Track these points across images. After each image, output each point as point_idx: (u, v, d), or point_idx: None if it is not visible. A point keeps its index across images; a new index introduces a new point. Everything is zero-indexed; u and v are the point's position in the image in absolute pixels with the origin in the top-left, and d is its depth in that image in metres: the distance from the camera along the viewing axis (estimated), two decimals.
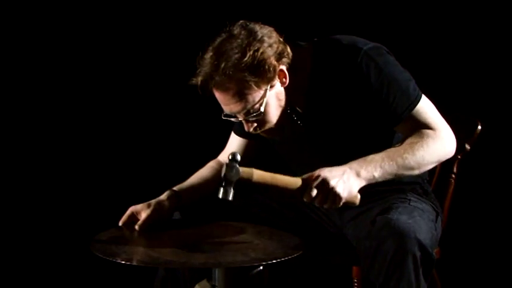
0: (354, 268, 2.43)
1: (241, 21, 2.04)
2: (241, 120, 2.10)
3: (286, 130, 2.17)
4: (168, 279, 2.23)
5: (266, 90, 2.03)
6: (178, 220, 2.25)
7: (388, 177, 2.03)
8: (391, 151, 2.05)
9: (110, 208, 2.42)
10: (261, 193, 2.29)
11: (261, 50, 1.99)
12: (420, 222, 2.06)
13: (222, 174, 1.94)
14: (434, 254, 2.02)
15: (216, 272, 1.99)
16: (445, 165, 2.39)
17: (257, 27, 2.03)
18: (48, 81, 3.36)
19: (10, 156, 3.37)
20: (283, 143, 2.28)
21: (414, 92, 2.08)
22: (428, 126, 2.08)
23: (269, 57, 2.00)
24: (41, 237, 3.34)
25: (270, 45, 2.01)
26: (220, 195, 1.94)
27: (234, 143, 2.38)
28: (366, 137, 2.16)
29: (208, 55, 2.01)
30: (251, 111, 2.04)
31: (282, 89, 2.09)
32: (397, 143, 2.13)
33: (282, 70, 2.05)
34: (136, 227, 2.13)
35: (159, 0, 3.32)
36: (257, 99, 2.03)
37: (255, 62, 1.98)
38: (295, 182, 1.99)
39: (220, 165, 2.38)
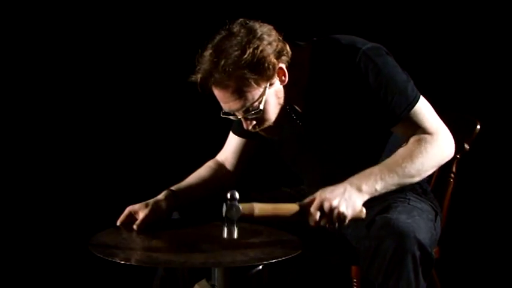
0: (353, 268, 2.42)
1: (240, 20, 2.04)
2: (239, 119, 2.10)
3: (285, 129, 2.17)
4: (168, 279, 2.23)
5: (265, 88, 2.03)
6: (177, 220, 2.25)
7: (391, 188, 2.03)
8: (389, 162, 2.05)
9: (107, 208, 2.41)
10: (259, 193, 2.29)
11: (260, 48, 1.99)
12: (419, 221, 2.06)
13: (223, 215, 1.93)
14: (433, 253, 2.02)
15: (216, 271, 1.99)
16: (444, 165, 2.38)
17: (256, 25, 2.03)
18: (45, 81, 3.36)
19: (9, 157, 3.37)
20: (282, 142, 2.28)
21: (412, 93, 2.08)
22: (426, 128, 2.07)
23: (268, 55, 2.00)
24: (39, 237, 3.34)
25: (270, 43, 2.01)
26: (225, 236, 1.94)
27: (232, 143, 2.38)
28: (364, 136, 2.15)
29: (208, 53, 2.00)
30: (250, 109, 2.04)
31: (281, 87, 2.08)
32: (394, 144, 2.13)
33: (281, 68, 2.05)
34: (135, 226, 2.12)
35: None
36: (256, 97, 2.03)
37: (255, 59, 1.98)
38: (297, 208, 1.99)
39: (219, 164, 2.39)
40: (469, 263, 3.23)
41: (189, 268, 2.16)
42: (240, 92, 2.01)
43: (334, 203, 1.94)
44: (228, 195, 1.93)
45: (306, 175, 2.34)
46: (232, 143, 2.38)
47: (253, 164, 2.44)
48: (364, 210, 2.00)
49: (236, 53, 1.97)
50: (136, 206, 2.16)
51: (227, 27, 2.04)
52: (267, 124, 2.09)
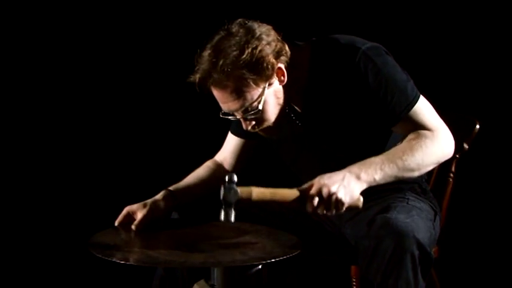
0: (353, 267, 2.43)
1: (239, 20, 2.04)
2: (238, 119, 2.10)
3: (285, 129, 2.17)
4: (167, 279, 2.23)
5: (264, 88, 2.03)
6: (177, 220, 2.25)
7: (389, 179, 2.03)
8: (390, 153, 2.04)
9: (105, 208, 2.41)
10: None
11: (259, 48, 1.99)
12: (418, 221, 2.06)
13: (221, 197, 1.93)
14: (432, 253, 2.02)
15: (215, 271, 1.99)
16: (443, 165, 2.39)
17: (255, 25, 2.03)
18: (44, 82, 3.36)
19: (8, 157, 3.37)
20: (281, 142, 2.28)
21: (412, 93, 2.08)
22: (426, 127, 2.08)
23: (267, 55, 2.00)
24: (38, 238, 3.34)
25: (269, 43, 2.01)
26: (222, 218, 1.94)
27: (231, 143, 2.38)
28: (364, 136, 2.16)
29: (207, 53, 2.00)
30: (249, 109, 2.04)
31: (281, 87, 2.09)
32: (395, 143, 2.13)
33: (280, 68, 2.05)
34: (133, 226, 2.13)
35: None
36: (255, 97, 2.03)
37: (253, 59, 1.98)
38: (295, 193, 1.98)
39: (217, 165, 2.39)
40: (468, 262, 3.23)
41: (189, 268, 2.16)
42: (238, 92, 2.01)
43: (333, 188, 1.94)
44: (226, 178, 1.93)
45: (305, 175, 2.33)
46: (231, 143, 2.38)
47: (253, 164, 2.44)
48: (361, 199, 1.99)
49: (235, 53, 1.97)
50: (134, 206, 2.16)
51: (226, 27, 2.03)
52: (266, 124, 2.09)
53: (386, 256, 1.96)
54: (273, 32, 2.05)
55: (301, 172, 2.34)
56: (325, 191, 1.94)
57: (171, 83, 3.10)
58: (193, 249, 1.95)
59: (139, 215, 2.14)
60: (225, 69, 1.97)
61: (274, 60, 2.02)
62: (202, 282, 2.04)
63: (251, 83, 2.00)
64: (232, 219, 1.94)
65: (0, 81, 3.33)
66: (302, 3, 3.25)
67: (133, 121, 3.39)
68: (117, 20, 3.32)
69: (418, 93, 2.10)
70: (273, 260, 1.86)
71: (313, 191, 1.95)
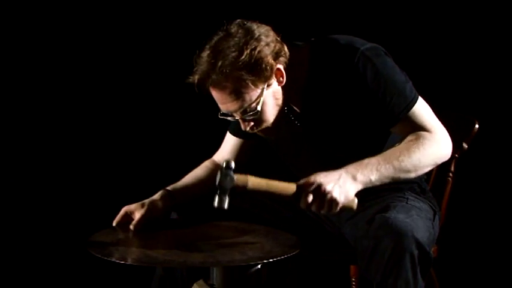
0: (352, 267, 2.44)
1: (238, 20, 2.04)
2: (237, 120, 2.10)
3: (283, 130, 2.17)
4: (166, 279, 2.23)
5: (263, 89, 2.03)
6: (175, 220, 2.25)
7: (385, 180, 2.03)
8: (387, 154, 2.04)
9: (104, 208, 2.41)
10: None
11: (258, 49, 1.99)
12: (418, 220, 2.06)
13: (217, 183, 1.93)
14: (431, 252, 2.02)
15: (214, 271, 1.99)
16: (442, 164, 2.38)
17: (254, 26, 2.03)
18: (43, 82, 3.36)
19: (7, 157, 3.37)
20: (280, 143, 2.28)
21: (411, 94, 2.08)
22: (424, 128, 2.08)
23: (266, 56, 2.00)
24: (37, 238, 3.34)
25: (267, 44, 2.01)
26: (216, 204, 1.94)
27: (230, 143, 2.38)
28: (362, 137, 2.15)
29: (205, 53, 2.00)
30: (248, 110, 2.04)
31: (279, 88, 2.09)
32: (393, 143, 2.13)
33: (279, 69, 2.05)
34: (131, 226, 2.13)
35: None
36: (254, 98, 2.02)
37: (252, 60, 1.98)
38: (291, 187, 1.98)
39: (215, 165, 2.39)
40: (467, 262, 3.23)
41: (188, 268, 2.16)
42: (237, 93, 2.01)
43: (328, 187, 1.94)
44: (224, 164, 1.93)
45: (304, 175, 2.32)
46: (229, 143, 2.38)
47: (252, 164, 2.44)
48: (356, 200, 1.99)
49: (234, 54, 1.97)
50: (132, 206, 2.16)
51: (225, 27, 2.03)
52: (265, 125, 2.09)
53: (385, 256, 1.96)
54: (272, 33, 2.05)
55: (300, 172, 2.33)
56: (320, 189, 1.94)
57: (169, 83, 3.10)
58: (193, 249, 1.96)
59: (137, 215, 2.14)
60: (224, 70, 1.97)
61: (273, 61, 2.02)
62: (201, 282, 2.05)
63: (250, 84, 2.00)
64: (226, 205, 1.94)
65: (0, 81, 3.33)
66: (301, 4, 3.25)
67: (132, 121, 3.39)
68: (116, 19, 3.32)
69: (417, 94, 2.10)
70: (272, 260, 1.86)
71: (308, 187, 1.95)
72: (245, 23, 2.03)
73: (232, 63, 1.97)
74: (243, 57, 1.97)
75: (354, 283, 2.45)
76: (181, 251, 1.93)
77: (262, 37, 2.01)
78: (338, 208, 1.96)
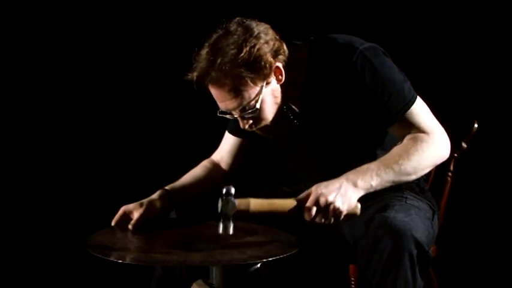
0: (351, 266, 2.43)
1: (237, 18, 2.04)
2: (235, 119, 2.10)
3: (282, 129, 2.17)
4: (165, 279, 2.23)
5: (262, 87, 2.03)
6: (174, 219, 2.25)
7: (386, 184, 2.03)
8: (386, 158, 2.04)
9: (102, 208, 2.41)
10: (258, 192, 2.30)
11: (257, 47, 1.99)
12: (417, 220, 2.06)
13: (219, 210, 1.92)
14: (430, 252, 2.02)
15: (214, 270, 1.99)
16: (441, 164, 2.38)
17: (253, 24, 2.03)
18: (42, 82, 3.36)
19: (6, 157, 3.37)
20: (278, 141, 2.28)
21: (409, 94, 2.08)
22: (422, 129, 2.08)
23: (265, 54, 2.00)
24: (36, 238, 3.34)
25: (267, 42, 2.01)
26: (221, 231, 1.94)
27: (228, 142, 2.38)
28: (361, 136, 2.16)
29: (205, 51, 2.00)
30: (247, 107, 2.03)
31: (278, 86, 2.09)
32: (392, 142, 2.13)
33: (278, 67, 2.05)
34: (130, 226, 2.13)
35: None
36: (253, 95, 2.02)
37: (251, 58, 1.98)
38: (293, 203, 1.98)
39: (214, 164, 2.39)
40: (467, 261, 3.23)
41: (187, 267, 2.16)
42: (236, 91, 2.01)
43: (330, 198, 1.94)
44: (224, 191, 1.93)
45: (303, 174, 2.34)
46: (228, 142, 2.38)
47: (252, 163, 2.44)
48: (359, 206, 2.00)
49: (233, 51, 1.97)
50: (130, 206, 2.16)
51: (224, 25, 2.03)
52: (263, 123, 2.09)
53: (384, 255, 1.96)
54: (271, 31, 2.05)
55: (299, 171, 2.34)
56: (322, 201, 1.94)
57: (168, 81, 3.10)
58: (192, 249, 1.95)
59: (135, 215, 2.14)
60: (223, 68, 1.97)
61: (272, 59, 2.02)
62: (200, 281, 2.04)
63: (249, 81, 2.00)
64: (231, 231, 1.94)
65: (0, 81, 3.33)
66: (300, 3, 3.25)
67: (130, 121, 3.39)
68: (115, 18, 3.32)
69: (415, 94, 2.10)
70: (271, 259, 1.86)
71: (310, 201, 1.95)
72: (244, 21, 2.03)
73: (231, 60, 1.97)
74: (242, 54, 1.97)
75: (353, 282, 2.45)
76: (181, 251, 1.93)
77: (262, 35, 2.01)
78: (342, 216, 1.97)
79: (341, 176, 1.99)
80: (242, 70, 1.98)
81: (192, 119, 3.28)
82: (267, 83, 2.04)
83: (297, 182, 2.39)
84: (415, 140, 2.05)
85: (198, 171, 2.35)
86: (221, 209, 1.92)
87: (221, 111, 2.08)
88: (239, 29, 2.01)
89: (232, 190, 1.93)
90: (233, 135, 2.36)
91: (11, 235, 3.34)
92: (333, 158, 2.19)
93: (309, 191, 1.98)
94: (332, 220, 1.96)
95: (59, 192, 3.38)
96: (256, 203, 1.96)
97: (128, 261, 1.85)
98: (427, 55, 3.20)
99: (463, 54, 3.20)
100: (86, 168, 3.40)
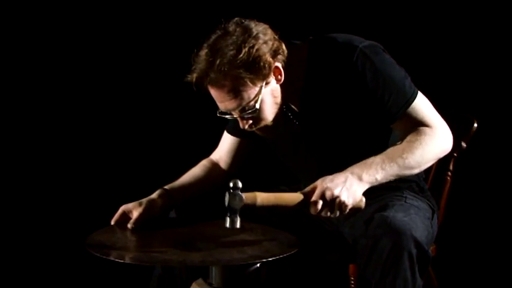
0: (350, 266, 2.43)
1: (236, 19, 2.04)
2: (235, 119, 2.10)
3: (282, 129, 2.17)
4: (165, 278, 2.23)
5: (261, 87, 2.03)
6: (174, 219, 2.25)
7: (390, 178, 2.04)
8: (390, 152, 2.05)
9: (101, 207, 2.41)
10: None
11: (256, 47, 1.98)
12: (416, 219, 2.06)
13: (226, 204, 1.92)
14: (430, 251, 2.02)
15: (214, 270, 1.99)
16: (441, 163, 2.40)
17: (252, 24, 2.03)
18: (41, 82, 3.36)
19: (5, 157, 3.37)
20: (278, 141, 2.28)
21: (410, 90, 2.08)
22: (424, 124, 2.08)
23: (264, 54, 2.00)
24: (35, 237, 3.34)
25: (265, 42, 2.01)
26: (228, 225, 1.94)
27: (227, 142, 2.38)
28: (362, 135, 2.16)
29: (203, 52, 2.00)
30: (246, 108, 2.04)
31: (278, 86, 2.09)
32: (393, 141, 2.13)
33: (277, 67, 2.05)
34: (129, 225, 2.13)
35: None
36: (252, 96, 2.02)
37: (250, 58, 1.98)
38: (299, 197, 1.98)
39: (213, 163, 2.39)
40: (466, 261, 3.23)
41: (187, 267, 2.16)
42: (235, 92, 2.01)
43: (336, 192, 1.94)
44: (231, 184, 1.93)
45: (303, 174, 2.34)
46: (227, 142, 2.38)
47: (251, 162, 2.44)
48: (363, 199, 2.00)
49: (232, 52, 1.97)
50: (130, 205, 2.16)
51: (223, 26, 2.03)
52: (263, 123, 2.09)
53: (384, 254, 1.96)
54: (269, 31, 2.04)
55: (299, 171, 2.34)
56: (328, 194, 1.94)
57: (167, 82, 3.10)
58: (192, 248, 1.95)
59: (135, 214, 2.14)
60: (222, 69, 1.97)
61: (271, 59, 2.02)
62: (200, 281, 2.04)
63: (248, 82, 2.00)
64: (238, 225, 1.94)
65: (0, 81, 3.33)
66: (299, 2, 3.25)
67: (130, 120, 3.39)
68: (114, 18, 3.32)
69: (416, 90, 2.10)
70: (271, 259, 1.86)
71: (316, 194, 1.96)
72: (243, 21, 2.03)
73: (230, 61, 1.97)
74: (241, 55, 1.97)
75: (352, 282, 2.45)
76: (180, 250, 1.93)
77: (260, 35, 2.01)
78: (348, 210, 1.97)
79: (346, 170, 2.00)
80: (241, 71, 1.98)
81: (192, 119, 3.28)
82: (267, 83, 2.04)
83: (296, 182, 2.39)
84: (418, 134, 2.06)
85: (197, 170, 2.35)
86: (228, 203, 1.92)
87: (221, 111, 2.08)
88: (238, 29, 2.01)
89: (239, 184, 1.93)
90: (232, 135, 2.36)
91: (11, 235, 3.34)
92: (332, 158, 2.19)
93: (314, 184, 1.98)
94: (338, 214, 1.96)
95: (59, 192, 3.38)
96: (263, 197, 1.96)
97: (127, 260, 1.85)
98: (427, 55, 3.20)
99: (463, 53, 3.20)
100: (85, 168, 3.40)
